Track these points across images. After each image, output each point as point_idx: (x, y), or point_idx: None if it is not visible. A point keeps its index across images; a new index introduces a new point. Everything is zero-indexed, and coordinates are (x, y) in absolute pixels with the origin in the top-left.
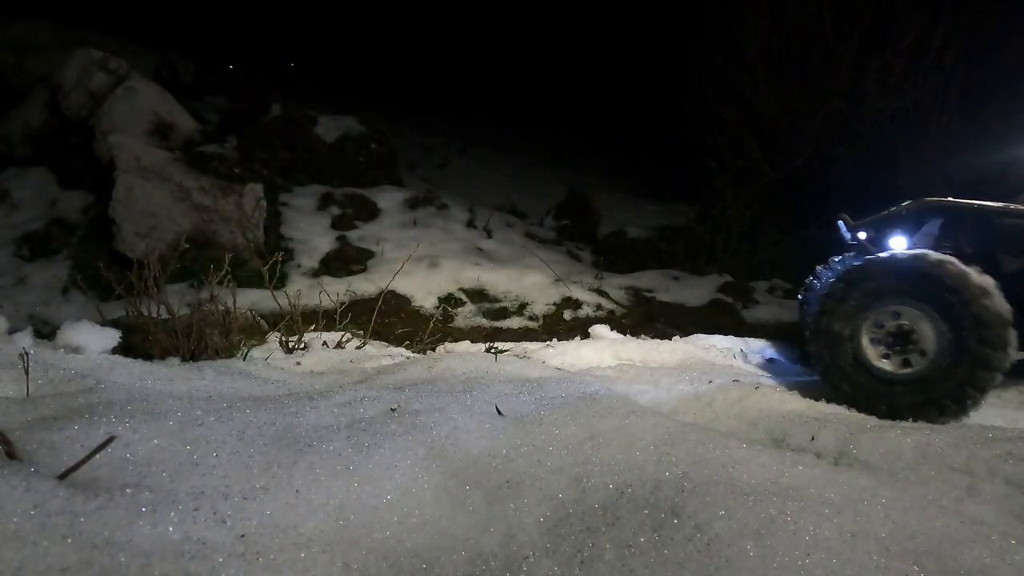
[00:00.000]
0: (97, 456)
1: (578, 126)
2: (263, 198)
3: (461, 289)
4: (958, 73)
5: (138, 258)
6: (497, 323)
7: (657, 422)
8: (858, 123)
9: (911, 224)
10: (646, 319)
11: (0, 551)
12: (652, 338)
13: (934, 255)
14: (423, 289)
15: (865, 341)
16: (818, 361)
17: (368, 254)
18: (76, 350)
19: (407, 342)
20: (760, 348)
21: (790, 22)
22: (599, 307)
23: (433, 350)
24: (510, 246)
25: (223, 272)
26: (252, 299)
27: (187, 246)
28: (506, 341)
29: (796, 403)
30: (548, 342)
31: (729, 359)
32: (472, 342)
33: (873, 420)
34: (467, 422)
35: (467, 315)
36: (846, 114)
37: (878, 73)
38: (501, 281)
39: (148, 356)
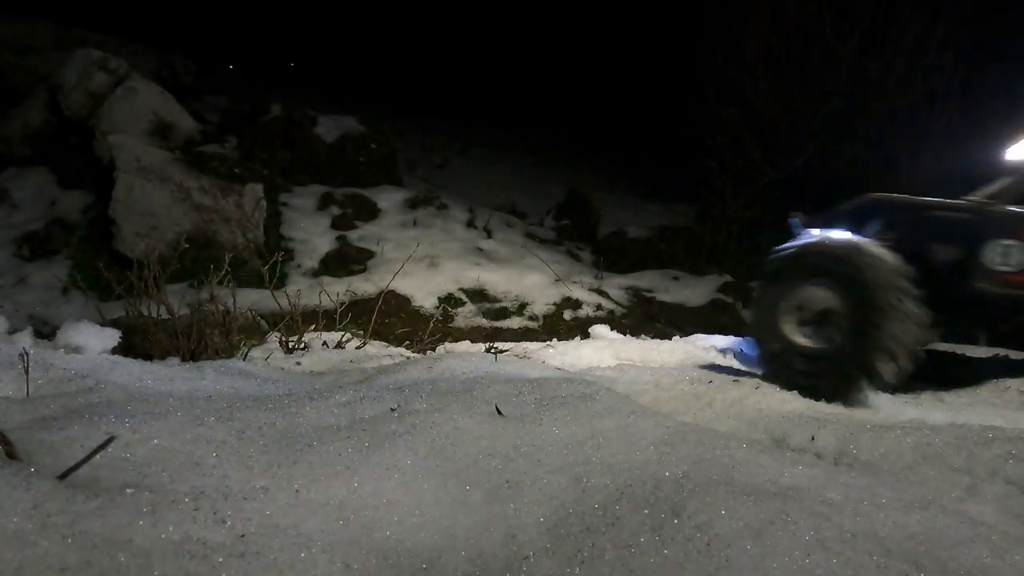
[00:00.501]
0: (97, 456)
1: (578, 126)
2: (263, 198)
3: (461, 289)
4: (958, 73)
5: (138, 258)
6: (497, 323)
7: (657, 422)
8: (858, 123)
9: (857, 219)
10: (646, 319)
11: (0, 551)
12: (652, 338)
13: (823, 236)
14: (423, 289)
15: (789, 328)
16: (761, 357)
17: (368, 254)
18: (76, 350)
19: (407, 342)
20: None
21: (790, 22)
22: (599, 307)
23: (433, 350)
24: (510, 246)
25: (223, 272)
26: (252, 299)
27: (187, 246)
28: (506, 341)
29: (796, 403)
30: (548, 342)
31: (729, 359)
32: (472, 342)
33: (873, 420)
34: (467, 422)
35: (467, 315)
36: (846, 114)
37: (878, 73)
38: (501, 281)
39: (148, 356)
